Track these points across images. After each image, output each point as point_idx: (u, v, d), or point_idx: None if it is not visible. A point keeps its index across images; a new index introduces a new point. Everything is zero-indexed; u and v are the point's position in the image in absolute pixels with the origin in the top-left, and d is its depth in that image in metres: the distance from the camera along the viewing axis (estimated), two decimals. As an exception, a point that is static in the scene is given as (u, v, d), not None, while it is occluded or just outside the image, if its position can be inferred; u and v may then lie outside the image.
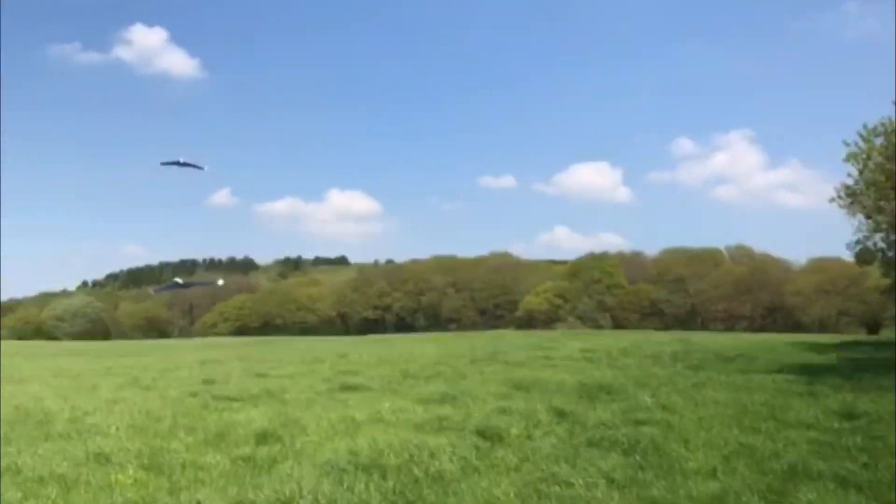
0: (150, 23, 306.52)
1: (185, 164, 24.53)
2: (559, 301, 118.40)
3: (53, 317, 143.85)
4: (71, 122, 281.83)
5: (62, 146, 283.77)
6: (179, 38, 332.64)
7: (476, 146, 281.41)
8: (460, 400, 13.37)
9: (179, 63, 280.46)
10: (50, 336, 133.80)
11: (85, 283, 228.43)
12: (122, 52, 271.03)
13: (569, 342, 35.23)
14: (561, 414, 11.51)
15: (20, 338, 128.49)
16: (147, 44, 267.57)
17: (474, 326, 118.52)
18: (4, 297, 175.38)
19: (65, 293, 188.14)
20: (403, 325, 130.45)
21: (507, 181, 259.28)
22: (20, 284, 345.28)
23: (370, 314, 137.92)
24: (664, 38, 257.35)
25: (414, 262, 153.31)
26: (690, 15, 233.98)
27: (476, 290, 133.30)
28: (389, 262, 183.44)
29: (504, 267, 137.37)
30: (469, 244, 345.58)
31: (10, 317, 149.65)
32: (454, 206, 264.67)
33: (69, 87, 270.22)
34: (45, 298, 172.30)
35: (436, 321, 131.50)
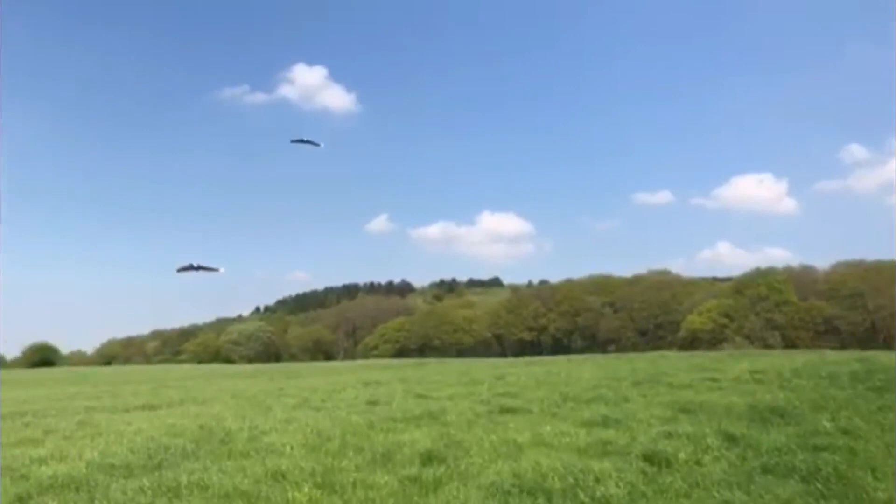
0: (310, 62, 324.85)
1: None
2: (724, 320, 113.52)
3: (229, 341, 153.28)
4: (241, 159, 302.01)
5: (233, 182, 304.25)
6: (337, 74, 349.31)
7: (629, 162, 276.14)
8: (623, 423, 13.08)
9: (338, 98, 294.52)
10: (227, 359, 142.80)
11: (257, 309, 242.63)
12: (286, 91, 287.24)
13: (736, 363, 33.59)
14: (731, 438, 11.01)
15: (200, 361, 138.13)
16: (308, 82, 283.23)
17: (634, 347, 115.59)
18: (186, 324, 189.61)
19: (239, 318, 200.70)
20: (560, 347, 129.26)
21: (664, 196, 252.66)
22: (199, 311, 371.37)
23: (526, 335, 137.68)
24: (829, 41, 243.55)
25: (568, 282, 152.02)
26: (856, 16, 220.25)
27: (635, 309, 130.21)
28: (543, 282, 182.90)
29: (664, 285, 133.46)
30: (625, 263, 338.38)
31: (192, 342, 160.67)
32: (608, 224, 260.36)
33: (239, 126, 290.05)
34: (222, 324, 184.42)
35: (593, 342, 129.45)
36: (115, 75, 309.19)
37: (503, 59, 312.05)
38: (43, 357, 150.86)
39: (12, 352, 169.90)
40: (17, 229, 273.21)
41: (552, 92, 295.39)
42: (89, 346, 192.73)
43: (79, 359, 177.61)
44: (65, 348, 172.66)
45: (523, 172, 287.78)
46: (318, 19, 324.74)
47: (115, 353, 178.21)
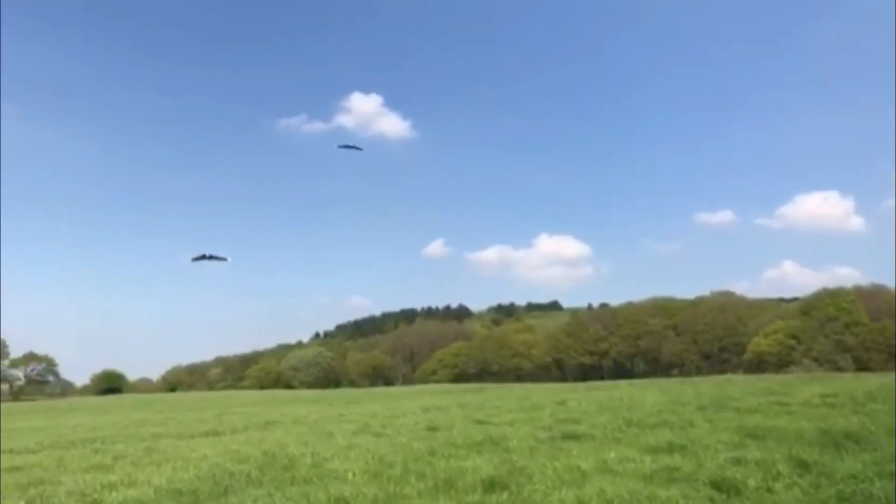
0: (366, 90, 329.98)
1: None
2: (792, 342, 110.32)
3: (290, 367, 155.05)
4: (299, 187, 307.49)
5: (292, 210, 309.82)
6: (392, 102, 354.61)
7: (689, 182, 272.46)
8: (690, 449, 12.78)
9: (393, 125, 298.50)
10: (287, 385, 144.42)
11: (317, 335, 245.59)
12: (342, 119, 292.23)
13: (806, 386, 32.60)
14: (803, 465, 10.65)
15: (262, 387, 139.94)
16: (364, 109, 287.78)
17: (698, 371, 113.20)
18: (248, 350, 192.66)
19: (299, 344, 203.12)
20: (622, 371, 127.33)
21: (725, 216, 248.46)
22: (261, 338, 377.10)
23: (586, 360, 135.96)
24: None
25: (629, 305, 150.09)
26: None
27: (698, 332, 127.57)
28: (603, 305, 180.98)
29: (727, 307, 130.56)
30: (687, 284, 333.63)
31: (253, 368, 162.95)
32: (669, 246, 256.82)
33: (297, 155, 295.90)
34: (283, 350, 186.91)
35: (656, 366, 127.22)
36: (178, 107, 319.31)
37: (556, 83, 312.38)
38: (110, 384, 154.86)
39: (82, 379, 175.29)
40: (86, 260, 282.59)
41: (607, 113, 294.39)
42: (155, 373, 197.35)
43: (145, 386, 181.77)
44: (131, 375, 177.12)
45: (580, 195, 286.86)
46: (374, 49, 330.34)
47: (180, 380, 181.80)
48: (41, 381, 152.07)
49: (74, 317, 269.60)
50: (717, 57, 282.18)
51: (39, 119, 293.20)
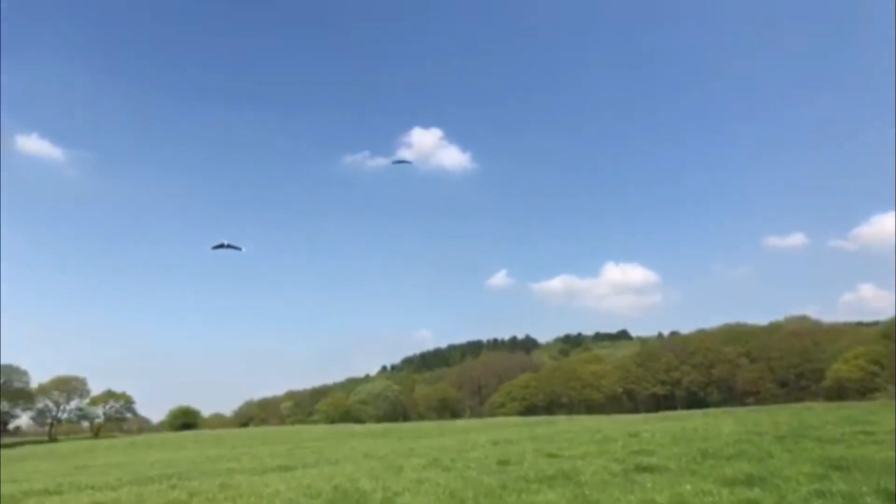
0: (426, 125, 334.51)
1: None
2: (874, 367, 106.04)
3: (358, 401, 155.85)
4: (363, 222, 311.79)
5: (356, 245, 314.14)
6: (452, 135, 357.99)
7: (757, 204, 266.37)
8: (769, 481, 12.36)
9: (453, 157, 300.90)
10: (356, 418, 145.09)
11: (384, 368, 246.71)
12: (404, 154, 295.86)
13: (892, 414, 31.25)
14: (893, 497, 10.20)
15: (332, 421, 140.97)
16: (425, 144, 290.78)
17: (774, 399, 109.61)
18: (317, 384, 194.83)
19: (367, 378, 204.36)
20: (695, 401, 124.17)
21: (797, 239, 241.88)
22: (330, 372, 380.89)
23: (658, 389, 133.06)
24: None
25: (700, 332, 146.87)
26: None
27: (773, 359, 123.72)
28: (674, 334, 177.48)
29: (803, 332, 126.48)
30: (760, 310, 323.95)
31: (323, 402, 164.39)
32: (739, 271, 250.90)
33: (362, 190, 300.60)
34: (351, 384, 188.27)
35: (730, 395, 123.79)
36: (245, 146, 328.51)
37: (617, 112, 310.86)
38: (185, 420, 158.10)
39: (158, 415, 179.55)
40: (160, 302, 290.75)
41: (670, 140, 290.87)
42: (228, 408, 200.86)
43: (218, 421, 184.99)
44: (205, 411, 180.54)
45: (646, 221, 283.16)
46: (433, 84, 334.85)
47: (252, 415, 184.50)
48: (119, 418, 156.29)
49: (150, 355, 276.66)
50: (783, 75, 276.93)
51: (111, 164, 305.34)
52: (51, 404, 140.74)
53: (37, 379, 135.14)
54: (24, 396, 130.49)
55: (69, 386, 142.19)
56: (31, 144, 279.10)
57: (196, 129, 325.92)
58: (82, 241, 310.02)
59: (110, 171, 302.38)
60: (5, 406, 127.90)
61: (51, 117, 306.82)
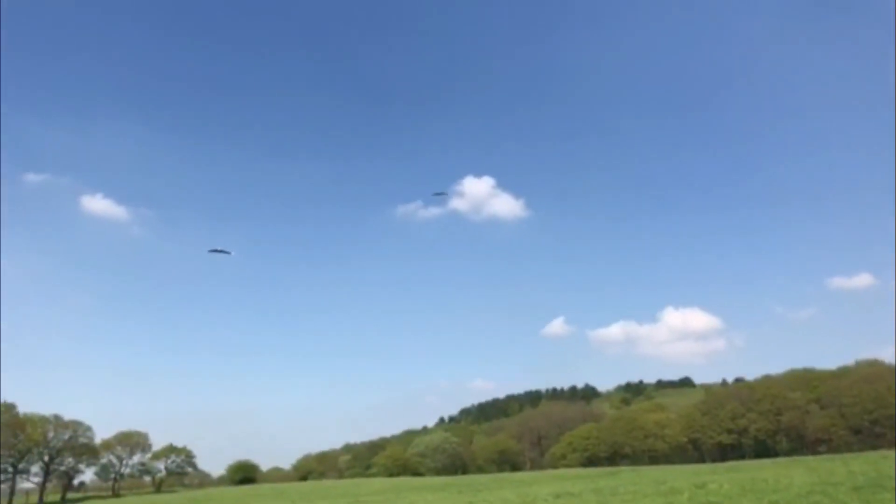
0: (478, 174, 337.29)
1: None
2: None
3: (416, 453, 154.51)
4: (417, 271, 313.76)
5: (411, 296, 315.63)
6: (505, 182, 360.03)
7: (820, 245, 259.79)
8: (848, 535, 11.71)
9: (506, 205, 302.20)
10: (415, 471, 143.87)
11: (441, 420, 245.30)
12: (456, 204, 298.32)
13: (975, 463, 29.60)
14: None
15: (390, 474, 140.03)
16: (477, 192, 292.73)
17: (848, 447, 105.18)
18: (375, 437, 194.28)
19: (424, 430, 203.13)
20: (764, 449, 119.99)
21: (863, 279, 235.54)
22: (387, 424, 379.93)
23: (724, 438, 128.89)
24: None
25: (767, 378, 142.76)
26: None
27: (845, 405, 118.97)
28: (739, 380, 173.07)
29: (875, 377, 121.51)
30: (828, 354, 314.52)
31: (381, 454, 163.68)
32: (804, 313, 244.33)
33: (415, 239, 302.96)
34: (408, 436, 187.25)
35: (800, 443, 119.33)
36: (298, 195, 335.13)
37: (672, 150, 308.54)
38: (245, 474, 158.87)
39: (218, 469, 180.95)
40: (218, 358, 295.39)
41: (729, 177, 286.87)
42: (286, 462, 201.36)
43: (277, 475, 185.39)
44: (264, 465, 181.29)
45: (706, 265, 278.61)
46: (484, 132, 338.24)
47: (311, 468, 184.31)
48: (180, 472, 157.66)
49: (211, 410, 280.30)
50: (846, 115, 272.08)
51: (173, 220, 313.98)
52: (114, 459, 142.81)
53: (99, 433, 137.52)
54: (89, 451, 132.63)
55: (132, 441, 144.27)
56: (96, 204, 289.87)
57: (253, 183, 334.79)
58: (145, 297, 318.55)
59: (171, 228, 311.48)
60: (71, 461, 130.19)
61: (114, 177, 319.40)
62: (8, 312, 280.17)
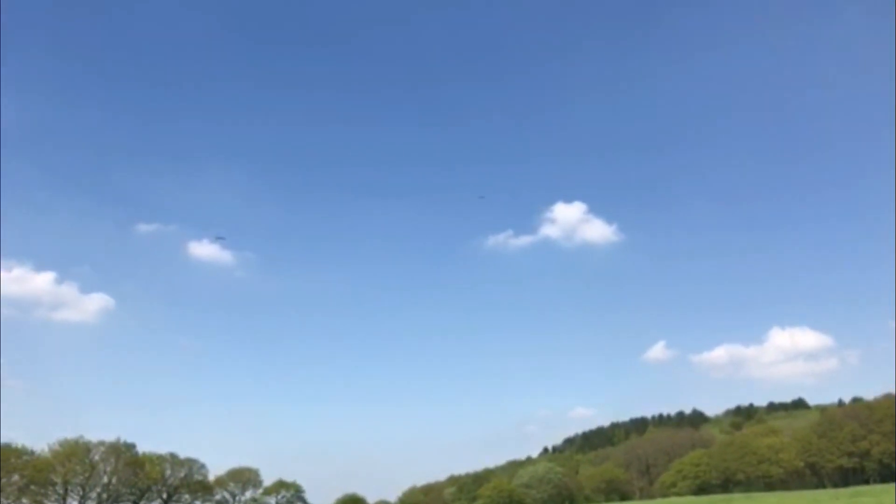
0: (569, 199, 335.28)
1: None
2: None
3: (522, 484, 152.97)
4: (513, 302, 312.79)
5: (506, 324, 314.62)
6: (596, 208, 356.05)
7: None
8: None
9: (598, 230, 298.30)
10: (520, 502, 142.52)
11: (545, 450, 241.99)
12: (547, 230, 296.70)
13: None
14: None
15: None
16: (568, 218, 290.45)
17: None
18: (479, 468, 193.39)
19: (529, 460, 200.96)
20: (889, 473, 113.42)
21: None
22: (491, 455, 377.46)
23: (845, 462, 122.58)
24: None
25: (887, 397, 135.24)
26: None
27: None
28: (856, 399, 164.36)
29: None
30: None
31: (486, 486, 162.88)
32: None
33: (509, 271, 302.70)
34: (513, 467, 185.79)
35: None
36: (385, 226, 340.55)
37: (767, 162, 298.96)
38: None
39: (324, 502, 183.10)
40: (323, 393, 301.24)
41: (830, 181, 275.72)
42: (392, 494, 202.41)
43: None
44: (370, 497, 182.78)
45: (812, 281, 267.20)
46: (572, 158, 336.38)
47: (417, 500, 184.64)
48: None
49: (316, 443, 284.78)
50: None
51: (275, 263, 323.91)
52: (227, 495, 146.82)
53: (212, 470, 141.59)
54: (204, 489, 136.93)
55: (244, 477, 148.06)
56: (202, 250, 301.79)
57: (349, 223, 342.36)
58: (252, 337, 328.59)
59: (274, 270, 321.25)
60: (188, 498, 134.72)
61: (219, 223, 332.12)
62: (126, 356, 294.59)
